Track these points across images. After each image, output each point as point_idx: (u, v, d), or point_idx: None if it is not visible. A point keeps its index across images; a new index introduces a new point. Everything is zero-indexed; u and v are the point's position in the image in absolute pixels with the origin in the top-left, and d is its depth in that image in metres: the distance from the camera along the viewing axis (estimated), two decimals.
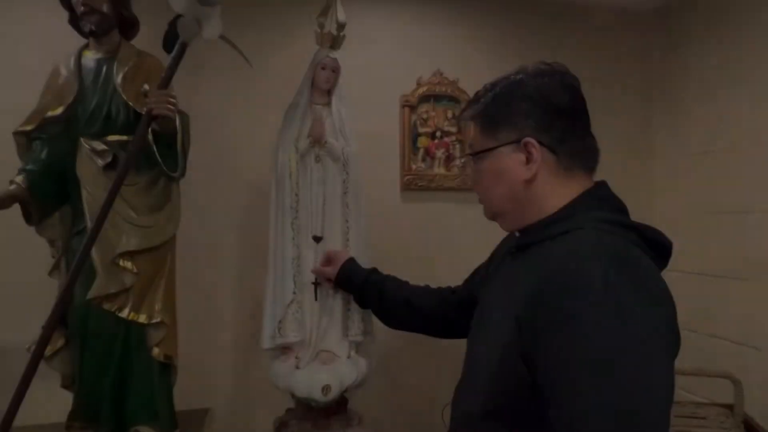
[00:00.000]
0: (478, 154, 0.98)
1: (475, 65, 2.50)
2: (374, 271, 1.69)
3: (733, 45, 2.26)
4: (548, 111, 0.91)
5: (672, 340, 0.78)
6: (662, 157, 2.67)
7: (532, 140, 0.91)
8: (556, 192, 0.92)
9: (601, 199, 0.92)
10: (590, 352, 0.71)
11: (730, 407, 2.04)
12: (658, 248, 0.88)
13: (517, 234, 1.04)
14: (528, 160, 0.92)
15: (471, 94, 2.38)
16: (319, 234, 1.82)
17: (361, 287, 1.62)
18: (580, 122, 0.95)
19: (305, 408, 1.85)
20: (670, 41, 2.63)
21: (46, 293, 1.71)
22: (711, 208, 2.35)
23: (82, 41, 1.74)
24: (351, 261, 1.69)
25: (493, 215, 1.04)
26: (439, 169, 2.46)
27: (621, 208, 0.93)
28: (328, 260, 1.74)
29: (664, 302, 0.79)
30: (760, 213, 2.11)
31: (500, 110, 0.94)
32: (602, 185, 0.96)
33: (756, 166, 2.12)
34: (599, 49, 2.65)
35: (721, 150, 2.30)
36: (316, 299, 1.80)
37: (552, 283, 0.78)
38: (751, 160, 2.14)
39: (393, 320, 1.65)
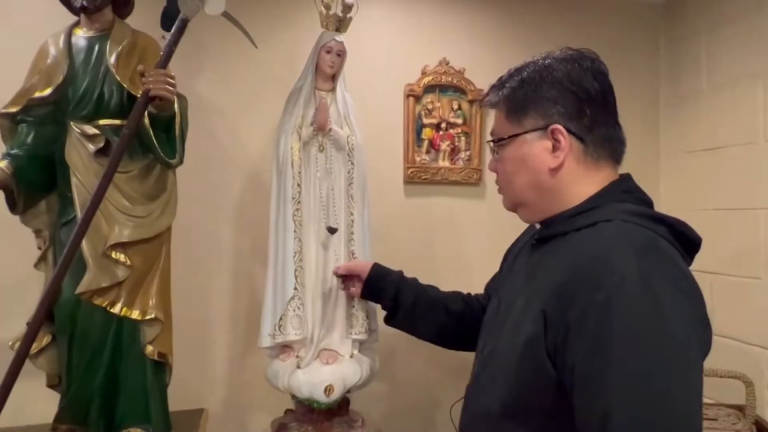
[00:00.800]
0: (501, 141, 0.95)
1: (482, 55, 2.43)
2: (403, 275, 1.52)
3: (745, 37, 2.20)
4: (578, 97, 0.87)
5: (702, 334, 0.77)
6: (669, 153, 2.62)
7: (560, 127, 0.87)
8: (582, 183, 0.89)
9: (628, 192, 0.90)
10: (623, 341, 0.70)
11: (740, 408, 2.01)
12: (687, 243, 0.86)
13: (537, 226, 1.00)
14: (555, 148, 0.89)
15: (477, 84, 2.39)
16: (333, 225, 1.73)
17: (396, 290, 1.44)
18: (609, 111, 0.92)
19: (306, 409, 1.78)
20: (677, 34, 2.58)
21: (32, 287, 1.63)
22: (720, 205, 2.30)
23: (73, 18, 1.64)
24: (378, 265, 1.54)
25: (513, 205, 0.99)
26: (443, 162, 2.38)
27: (647, 201, 0.91)
28: (349, 270, 1.60)
29: (695, 295, 0.78)
30: None
31: (527, 95, 0.90)
32: (628, 178, 0.93)
33: None
34: (606, 41, 2.59)
35: (732, 145, 2.25)
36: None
37: (582, 276, 0.76)
38: (765, 156, 2.09)
39: (425, 328, 1.48)
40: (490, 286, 1.40)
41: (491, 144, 0.98)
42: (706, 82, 2.40)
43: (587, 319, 0.73)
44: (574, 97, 0.87)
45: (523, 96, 0.91)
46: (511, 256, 1.16)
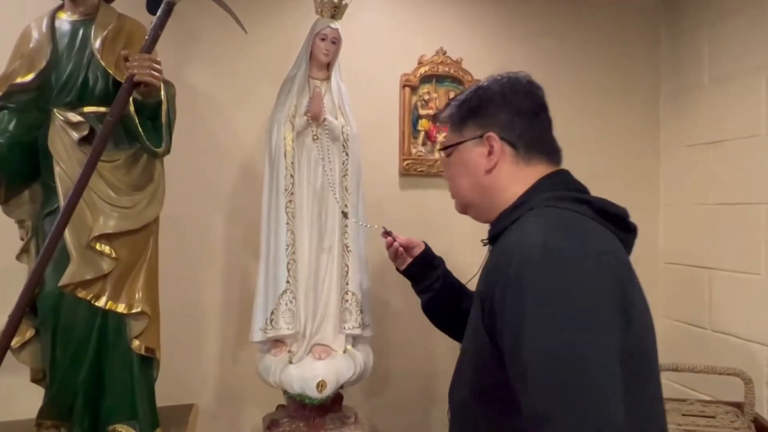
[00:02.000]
0: (447, 149, 1.10)
1: (480, 45, 2.38)
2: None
3: (747, 30, 2.16)
4: (509, 111, 1.02)
5: (618, 294, 0.82)
6: (669, 146, 2.58)
7: (494, 135, 1.01)
8: (516, 181, 1.01)
9: (555, 182, 1.00)
10: (531, 305, 0.78)
11: (739, 405, 1.98)
12: (614, 219, 0.95)
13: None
14: (489, 153, 1.02)
15: (475, 74, 2.34)
16: (323, 217, 1.69)
17: (444, 273, 1.45)
18: (540, 123, 1.05)
19: (298, 405, 1.75)
20: (679, 27, 2.53)
21: (13, 279, 1.57)
22: (721, 199, 2.26)
23: (56, 2, 1.58)
24: (428, 247, 1.50)
25: (463, 207, 1.13)
26: (440, 154, 2.33)
27: (578, 189, 1.00)
28: (409, 242, 1.50)
29: (608, 260, 0.84)
30: None
31: (467, 110, 1.06)
32: (559, 172, 1.04)
33: None
34: (606, 33, 2.55)
35: (733, 139, 2.21)
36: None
37: (502, 259, 0.86)
38: (766, 149, 2.06)
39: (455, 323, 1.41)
40: None
41: (441, 153, 1.14)
42: (708, 75, 2.36)
43: (505, 293, 0.83)
44: (506, 111, 1.02)
45: (465, 111, 1.06)
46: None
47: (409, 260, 1.45)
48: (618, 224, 0.95)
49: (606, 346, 0.76)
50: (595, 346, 0.76)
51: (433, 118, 1.08)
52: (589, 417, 0.72)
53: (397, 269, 1.48)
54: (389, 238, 1.44)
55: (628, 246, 0.97)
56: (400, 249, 1.44)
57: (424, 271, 1.44)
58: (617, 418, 0.73)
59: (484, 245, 1.08)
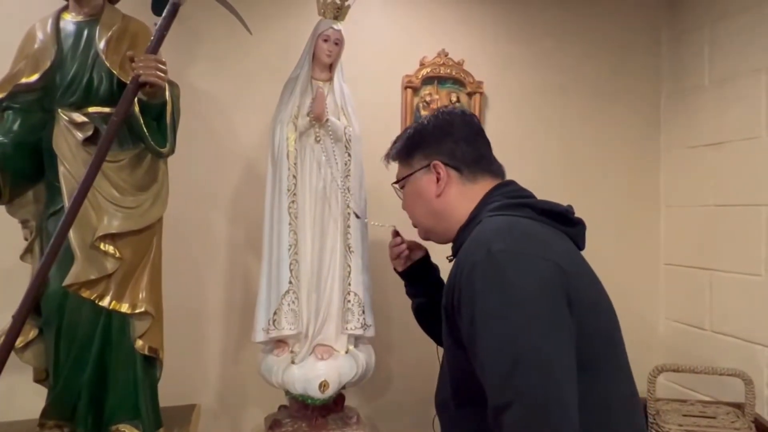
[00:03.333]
0: (400, 182, 1.23)
1: (481, 46, 2.39)
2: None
3: (748, 32, 2.17)
4: (450, 140, 1.13)
5: (562, 284, 0.87)
6: (670, 148, 2.59)
7: (439, 162, 1.12)
8: (465, 199, 1.10)
9: (498, 194, 1.08)
10: (482, 308, 0.85)
11: (739, 406, 1.99)
12: (558, 216, 1.02)
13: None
14: (438, 179, 1.12)
15: (476, 76, 2.35)
16: (326, 220, 1.70)
17: (438, 281, 1.48)
18: (478, 145, 1.15)
19: (300, 405, 1.75)
20: (680, 28, 2.54)
21: (18, 279, 1.57)
22: (722, 201, 2.27)
23: (61, 3, 1.59)
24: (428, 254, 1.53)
25: (425, 233, 1.22)
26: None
27: (517, 195, 1.07)
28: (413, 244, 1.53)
29: (549, 253, 0.90)
30: None
31: (413, 145, 1.18)
32: (504, 183, 1.12)
33: None
34: (607, 34, 2.56)
35: (734, 140, 2.22)
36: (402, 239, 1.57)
37: (457, 270, 0.93)
38: (767, 151, 2.07)
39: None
40: None
41: (395, 187, 1.25)
42: (708, 77, 2.37)
43: (461, 299, 0.90)
44: (447, 140, 1.13)
45: (409, 146, 1.18)
46: None
47: (409, 263, 1.48)
48: (561, 221, 1.02)
49: (555, 336, 0.82)
50: (543, 336, 0.81)
51: (384, 157, 1.14)
52: (542, 400, 0.77)
53: (396, 269, 1.52)
54: (398, 238, 1.47)
55: (579, 237, 1.05)
56: (406, 251, 1.46)
57: (422, 275, 1.49)
58: (569, 402, 0.78)
59: (450, 261, 1.13)
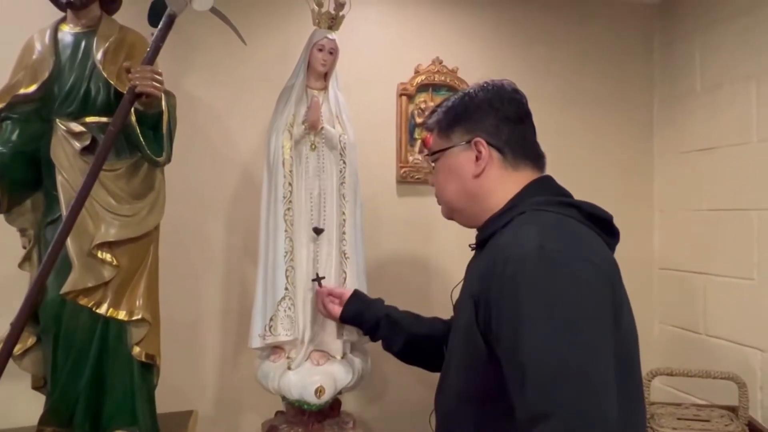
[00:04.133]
0: (434, 154, 1.13)
1: (475, 54, 2.41)
2: (386, 308, 1.53)
3: (738, 38, 2.20)
4: (496, 118, 1.04)
5: (609, 294, 0.85)
6: (663, 153, 2.61)
7: (482, 140, 1.04)
8: (503, 185, 1.03)
9: (541, 187, 1.03)
10: (528, 307, 0.80)
11: (733, 409, 2.00)
12: (600, 222, 0.98)
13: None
14: (477, 158, 1.04)
15: (470, 83, 2.33)
16: (320, 226, 1.72)
17: (374, 328, 1.51)
18: (524, 129, 1.08)
19: (296, 411, 1.76)
20: (671, 35, 2.57)
21: (16, 287, 1.59)
22: (714, 205, 2.29)
23: (59, 14, 1.61)
24: (356, 299, 1.55)
25: (450, 212, 1.15)
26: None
27: (563, 193, 1.03)
28: (331, 296, 1.61)
29: (599, 261, 0.87)
30: (766, 211, 2.06)
31: (455, 116, 1.08)
32: (545, 177, 1.07)
33: (764, 163, 2.07)
34: (600, 41, 2.59)
35: (726, 146, 2.24)
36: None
37: (498, 260, 0.88)
38: (758, 157, 2.09)
39: (408, 357, 1.52)
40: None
41: (427, 158, 1.17)
42: (700, 82, 2.40)
43: (502, 293, 0.85)
44: (492, 117, 1.04)
45: (452, 117, 1.08)
46: (467, 269, 1.23)
47: (339, 308, 1.52)
48: (604, 228, 0.98)
49: (601, 348, 0.79)
50: (590, 347, 0.77)
51: (420, 125, 1.11)
52: (583, 415, 0.74)
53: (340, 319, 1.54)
54: (318, 287, 1.52)
55: (611, 249, 1.00)
56: (328, 297, 1.54)
57: (360, 314, 1.49)
58: (611, 417, 0.75)
59: (472, 249, 1.10)
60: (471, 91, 1.09)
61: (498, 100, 1.05)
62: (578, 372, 0.75)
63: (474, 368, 0.93)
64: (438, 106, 1.15)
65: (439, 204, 1.17)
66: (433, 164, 1.15)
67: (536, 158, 1.07)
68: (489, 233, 1.00)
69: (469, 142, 1.05)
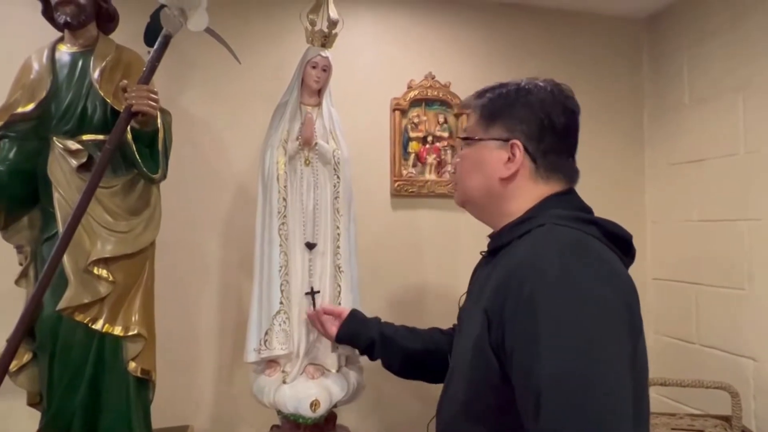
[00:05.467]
0: (467, 139, 1.05)
1: (467, 69, 2.45)
2: (380, 326, 1.47)
3: (725, 52, 2.25)
4: (542, 124, 0.97)
5: (629, 319, 0.81)
6: (654, 165, 2.65)
7: (519, 143, 0.96)
8: (527, 195, 0.98)
9: (563, 200, 0.97)
10: (545, 330, 0.77)
11: (726, 419, 2.01)
12: (619, 242, 0.93)
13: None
14: (509, 160, 0.97)
15: (463, 98, 2.40)
16: (312, 240, 1.74)
17: (370, 348, 1.45)
18: (568, 143, 1.01)
19: (292, 425, 1.76)
20: (660, 49, 2.62)
21: (12, 303, 1.59)
22: (704, 216, 2.32)
23: (57, 34, 1.64)
24: (352, 318, 1.50)
25: (463, 202, 1.09)
26: (430, 175, 2.39)
27: (585, 208, 0.98)
28: (326, 313, 1.56)
29: (618, 284, 0.84)
30: (755, 221, 2.09)
31: (501, 108, 1.00)
32: (568, 190, 1.01)
33: (751, 174, 2.10)
34: (590, 56, 2.63)
35: (714, 157, 2.28)
36: (314, 309, 1.69)
37: (515, 274, 0.84)
38: (747, 168, 2.12)
39: (409, 373, 1.47)
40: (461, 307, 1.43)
41: (459, 139, 1.07)
42: (688, 96, 2.44)
43: (518, 312, 0.80)
44: (539, 122, 0.96)
45: (498, 107, 1.00)
46: (474, 275, 1.20)
47: (335, 327, 1.48)
48: (623, 248, 0.93)
49: (619, 371, 0.76)
50: (608, 377, 0.74)
51: (463, 103, 1.05)
52: None
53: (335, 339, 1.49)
54: (311, 309, 1.50)
55: (626, 268, 0.95)
56: (325, 315, 1.50)
57: (355, 335, 1.44)
58: None
59: (482, 255, 1.05)
60: (527, 85, 1.00)
61: (551, 105, 0.97)
62: (595, 402, 0.73)
63: (482, 384, 0.89)
64: (489, 88, 1.05)
65: (454, 190, 1.10)
66: (461, 147, 1.07)
67: (570, 173, 1.00)
68: (504, 242, 0.96)
69: (506, 141, 0.97)
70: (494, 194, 1.00)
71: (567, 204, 0.96)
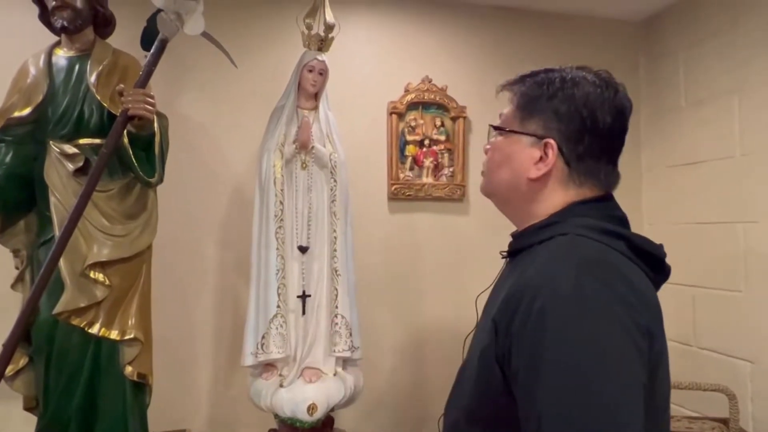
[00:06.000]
0: (500, 130, 0.95)
1: (464, 72, 2.46)
2: None
3: (720, 55, 2.26)
4: (584, 123, 0.86)
5: (646, 346, 0.75)
6: (651, 167, 2.65)
7: (553, 143, 0.87)
8: (557, 198, 0.90)
9: (593, 208, 0.88)
10: (551, 352, 0.72)
11: (724, 421, 2.01)
12: (649, 259, 0.85)
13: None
14: (540, 159, 0.88)
15: (460, 101, 2.41)
16: (304, 244, 1.74)
17: None
18: (610, 148, 0.90)
19: (289, 428, 1.76)
20: (655, 52, 2.63)
21: (8, 307, 1.60)
22: (701, 218, 2.33)
23: (54, 38, 1.64)
24: None
25: (488, 193, 1.01)
26: (427, 179, 2.40)
27: (618, 217, 0.90)
28: None
29: (640, 307, 0.77)
30: (751, 223, 2.09)
31: (539, 99, 0.90)
32: (603, 196, 0.91)
33: (747, 176, 2.11)
34: (586, 59, 2.61)
35: (710, 160, 2.28)
36: (303, 313, 1.71)
37: (527, 287, 0.78)
38: (742, 170, 2.13)
39: None
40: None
41: (491, 127, 0.98)
42: (684, 98, 2.45)
43: (526, 328, 0.76)
44: (580, 121, 0.86)
45: (536, 97, 0.90)
46: (499, 277, 1.18)
47: None
48: (653, 265, 0.86)
49: (626, 403, 0.71)
50: (614, 403, 0.70)
51: (501, 85, 0.96)
52: None
53: None
54: None
55: (657, 286, 0.88)
56: None
57: None
58: None
59: (503, 258, 1.00)
60: (574, 75, 0.90)
61: (597, 102, 0.87)
62: (601, 423, 0.68)
63: (486, 393, 0.85)
64: (532, 73, 0.95)
65: (482, 176, 1.02)
66: (493, 134, 0.99)
67: (607, 179, 0.91)
68: (524, 245, 0.90)
69: (540, 138, 0.88)
70: (520, 193, 0.92)
71: (597, 212, 0.88)
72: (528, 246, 0.89)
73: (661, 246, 0.88)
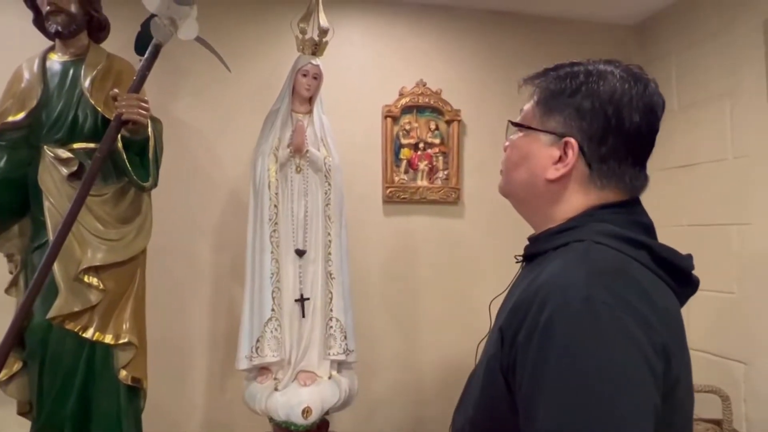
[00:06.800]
0: (519, 126, 0.90)
1: (458, 76, 2.47)
2: None
3: (712, 59, 2.27)
4: (608, 122, 0.80)
5: (661, 366, 0.70)
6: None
7: (574, 143, 0.80)
8: (574, 202, 0.84)
9: (615, 213, 0.82)
10: (556, 368, 0.67)
11: (717, 422, 2.02)
12: (675, 272, 0.80)
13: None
14: (559, 160, 0.82)
15: (454, 104, 2.42)
16: (301, 247, 1.74)
17: None
18: (638, 150, 0.84)
19: None
20: (649, 56, 2.65)
21: (2, 312, 1.59)
22: (694, 221, 2.34)
23: (48, 43, 1.64)
24: None
25: (505, 192, 0.96)
26: (422, 182, 2.40)
27: (639, 224, 0.84)
28: None
29: (658, 324, 0.71)
30: (744, 225, 2.11)
31: (561, 94, 0.84)
32: (627, 202, 0.85)
33: (740, 179, 2.12)
34: None
35: (703, 162, 2.30)
36: (303, 316, 1.71)
37: (535, 297, 0.73)
38: (735, 173, 2.15)
39: None
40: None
41: (510, 123, 0.93)
42: (677, 101, 2.47)
43: (531, 341, 0.71)
44: (604, 119, 0.79)
45: (558, 92, 0.84)
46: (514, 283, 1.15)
47: None
48: (678, 278, 0.81)
49: (635, 421, 0.66)
50: (622, 420, 0.66)
51: (524, 79, 0.94)
52: None
53: None
54: None
55: (683, 299, 0.83)
56: None
57: None
58: None
59: (517, 262, 0.95)
60: (600, 69, 0.84)
61: (625, 99, 0.80)
62: None
63: (491, 404, 0.82)
64: (555, 66, 0.90)
65: (500, 173, 0.96)
66: (512, 131, 0.94)
67: (633, 183, 0.85)
68: (539, 251, 0.86)
69: (560, 137, 0.83)
70: (538, 194, 0.86)
71: (619, 218, 0.82)
72: (543, 251, 0.84)
73: (689, 257, 0.83)
